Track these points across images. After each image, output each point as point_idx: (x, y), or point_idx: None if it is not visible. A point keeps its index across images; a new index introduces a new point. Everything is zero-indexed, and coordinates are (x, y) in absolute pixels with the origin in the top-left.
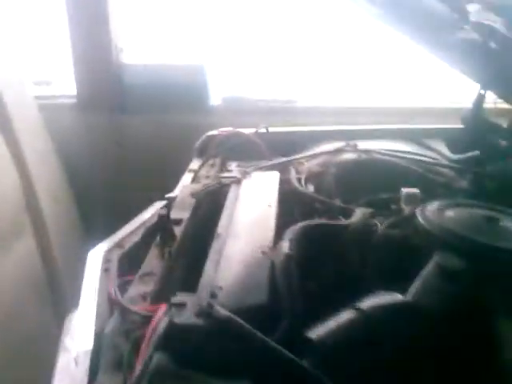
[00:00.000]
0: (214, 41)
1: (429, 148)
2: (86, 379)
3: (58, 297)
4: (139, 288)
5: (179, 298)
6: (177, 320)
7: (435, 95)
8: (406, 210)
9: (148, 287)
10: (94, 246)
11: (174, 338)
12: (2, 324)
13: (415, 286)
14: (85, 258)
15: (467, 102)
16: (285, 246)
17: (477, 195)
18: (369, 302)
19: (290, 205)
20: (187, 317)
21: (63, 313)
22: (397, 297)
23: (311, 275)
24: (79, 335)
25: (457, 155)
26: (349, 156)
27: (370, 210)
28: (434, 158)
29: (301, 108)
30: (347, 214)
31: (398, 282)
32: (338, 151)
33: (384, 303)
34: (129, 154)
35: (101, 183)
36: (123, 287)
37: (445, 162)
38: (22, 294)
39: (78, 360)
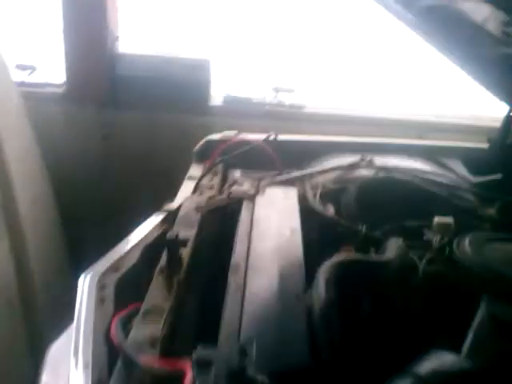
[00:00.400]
0: (218, 37)
1: (447, 168)
2: None
3: (30, 311)
4: (145, 329)
5: (202, 353)
6: None
7: (450, 110)
8: (439, 241)
9: (155, 328)
10: (78, 259)
11: None
12: None
13: (469, 343)
14: (68, 277)
15: (486, 120)
16: (321, 287)
17: (506, 225)
18: (425, 367)
19: (306, 225)
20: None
21: (36, 330)
22: (453, 360)
23: (348, 318)
24: None
25: (477, 178)
26: (367, 173)
27: (403, 244)
28: (455, 180)
29: (308, 114)
30: (375, 242)
31: (443, 326)
32: (353, 166)
33: (442, 370)
34: (118, 154)
35: (86, 184)
36: (124, 323)
37: (466, 185)
38: None
39: None
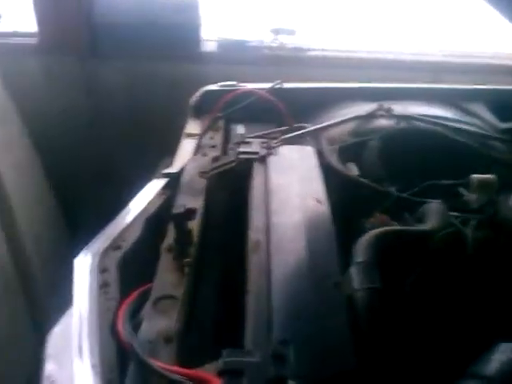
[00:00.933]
0: None
1: (470, 113)
2: None
3: (29, 285)
4: (157, 322)
5: (230, 360)
6: None
7: (469, 48)
8: (479, 200)
9: (168, 319)
10: (74, 224)
11: None
12: None
13: None
14: (64, 257)
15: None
16: (361, 272)
17: None
18: (493, 367)
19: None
20: None
21: (37, 305)
22: None
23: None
24: None
25: (505, 123)
26: (387, 123)
27: (445, 209)
28: (481, 127)
29: (313, 58)
30: (408, 206)
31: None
32: (371, 116)
33: None
34: (103, 108)
35: (73, 144)
36: (132, 314)
37: (495, 132)
38: None
39: None
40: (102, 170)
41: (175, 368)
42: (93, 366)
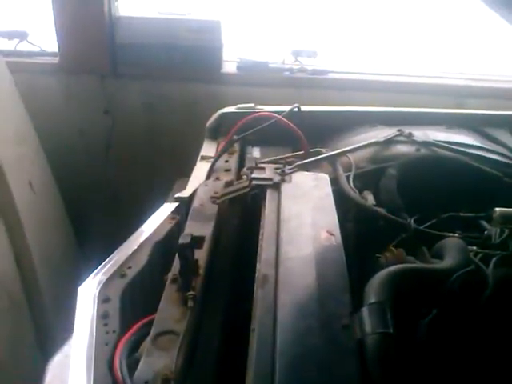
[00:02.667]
0: None
1: (494, 140)
2: None
3: (34, 303)
4: (155, 360)
5: None
6: None
7: (493, 72)
8: (501, 235)
9: (167, 357)
10: (84, 242)
11: None
12: None
13: None
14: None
15: None
16: (374, 315)
17: None
18: None
19: (339, 215)
20: None
21: (42, 322)
22: None
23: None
24: None
25: None
26: (407, 150)
27: (465, 245)
28: (506, 156)
29: (333, 80)
30: (426, 238)
31: None
32: (390, 142)
33: None
34: (123, 128)
35: (89, 163)
36: (130, 351)
37: None
38: None
39: None
40: (117, 190)
41: None
42: None
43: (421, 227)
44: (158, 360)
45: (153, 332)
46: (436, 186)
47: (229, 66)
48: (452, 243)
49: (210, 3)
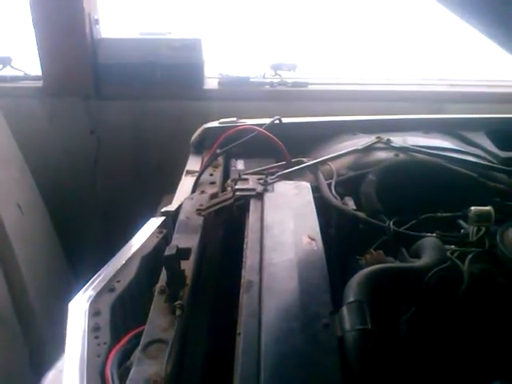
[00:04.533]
0: (207, 14)
1: (471, 143)
2: None
3: (27, 324)
4: (146, 368)
5: None
6: None
7: (467, 77)
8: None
9: (157, 365)
10: (74, 260)
11: None
12: None
13: None
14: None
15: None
16: (353, 313)
17: None
18: None
19: (322, 221)
20: None
21: (35, 342)
22: None
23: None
24: None
25: (506, 152)
26: (385, 156)
27: (440, 244)
28: (482, 157)
29: (312, 92)
30: (405, 240)
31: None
32: (369, 149)
33: None
34: (109, 148)
35: (76, 182)
36: (121, 361)
37: (495, 162)
38: None
39: None
40: (105, 207)
41: None
42: None
43: (400, 229)
44: (149, 368)
45: (142, 341)
46: (414, 189)
47: (211, 82)
48: (429, 242)
49: (191, 21)
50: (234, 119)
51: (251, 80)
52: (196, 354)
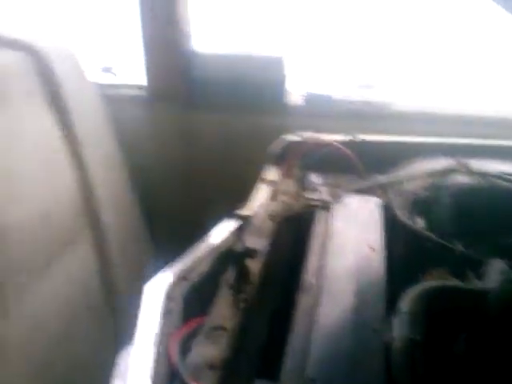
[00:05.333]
0: (292, 32)
1: None
2: None
3: (114, 316)
4: (206, 350)
5: None
6: None
7: None
8: None
9: (217, 349)
10: (157, 265)
11: None
12: (49, 347)
13: None
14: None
15: None
16: (404, 322)
17: None
18: None
19: (390, 239)
20: None
21: (123, 329)
22: None
23: (439, 360)
24: None
25: None
26: (463, 180)
27: (508, 270)
28: None
29: (395, 113)
30: (473, 264)
31: None
32: (447, 172)
33: None
34: (196, 155)
35: (165, 184)
36: (185, 340)
37: None
38: (73, 311)
39: None
40: (188, 209)
41: None
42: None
43: (468, 251)
44: (208, 350)
45: (206, 326)
46: (491, 217)
47: (294, 98)
48: (496, 266)
49: (274, 37)
50: (314, 134)
51: (333, 98)
52: (254, 344)
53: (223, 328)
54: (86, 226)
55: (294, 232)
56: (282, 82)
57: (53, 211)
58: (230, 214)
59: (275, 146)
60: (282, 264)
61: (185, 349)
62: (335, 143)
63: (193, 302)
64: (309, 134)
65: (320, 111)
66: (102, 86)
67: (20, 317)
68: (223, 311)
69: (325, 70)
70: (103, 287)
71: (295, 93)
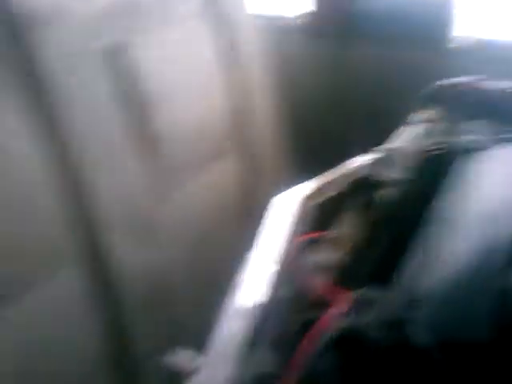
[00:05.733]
0: None
1: None
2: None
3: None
4: (326, 255)
5: (367, 293)
6: (355, 325)
7: None
8: None
9: (335, 256)
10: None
11: (348, 345)
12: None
13: None
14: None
15: None
16: None
17: None
18: None
19: None
20: (371, 325)
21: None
22: None
23: None
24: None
25: None
26: None
27: None
28: None
29: None
30: None
31: None
32: None
33: None
34: (349, 88)
35: (316, 114)
36: (309, 246)
37: None
38: (212, 213)
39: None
40: (338, 138)
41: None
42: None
43: None
44: (328, 255)
45: (329, 236)
46: None
47: (459, 41)
48: None
49: None
50: (471, 78)
51: (498, 43)
52: (373, 254)
53: (344, 241)
54: (234, 143)
55: (439, 171)
56: (448, 23)
57: (206, 127)
58: (373, 148)
59: (428, 89)
60: (416, 200)
61: (306, 252)
62: (491, 90)
63: (316, 222)
64: (465, 79)
65: (487, 57)
66: (261, 17)
67: (176, 205)
68: (347, 227)
69: (495, 13)
70: (244, 197)
71: (461, 36)
